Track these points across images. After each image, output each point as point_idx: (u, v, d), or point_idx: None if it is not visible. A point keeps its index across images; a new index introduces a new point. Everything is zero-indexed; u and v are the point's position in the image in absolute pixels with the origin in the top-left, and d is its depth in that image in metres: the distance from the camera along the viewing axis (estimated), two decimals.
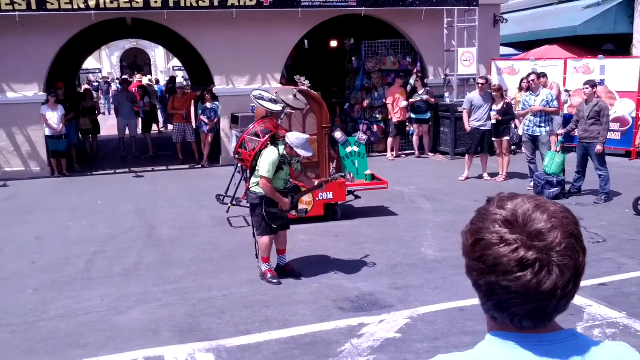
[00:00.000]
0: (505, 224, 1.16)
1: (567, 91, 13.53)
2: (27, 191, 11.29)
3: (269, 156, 5.87)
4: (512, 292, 1.14)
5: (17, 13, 11.44)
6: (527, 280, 1.12)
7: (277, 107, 6.40)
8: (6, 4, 11.36)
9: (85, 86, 22.99)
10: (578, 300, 5.12)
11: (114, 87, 29.77)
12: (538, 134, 10.02)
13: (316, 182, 6.67)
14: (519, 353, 1.17)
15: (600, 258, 6.45)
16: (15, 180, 12.08)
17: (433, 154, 14.04)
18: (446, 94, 14.16)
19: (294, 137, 5.93)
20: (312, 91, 8.13)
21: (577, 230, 1.18)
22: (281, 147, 5.96)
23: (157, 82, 28.64)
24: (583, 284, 1.20)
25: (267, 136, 6.06)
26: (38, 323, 5.30)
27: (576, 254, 1.15)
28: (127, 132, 15.15)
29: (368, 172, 8.99)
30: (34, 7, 11.46)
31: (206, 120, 13.26)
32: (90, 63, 34.55)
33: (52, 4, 11.50)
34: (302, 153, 5.92)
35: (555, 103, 10.40)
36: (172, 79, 22.62)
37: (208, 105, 13.24)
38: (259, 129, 6.16)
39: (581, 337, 1.22)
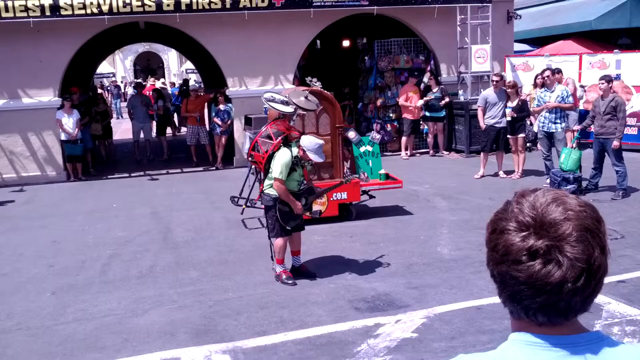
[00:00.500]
0: (521, 215, 1.17)
1: (582, 87, 13.37)
2: (43, 196, 11.39)
3: (282, 158, 5.87)
4: (521, 283, 1.14)
5: (31, 19, 11.56)
6: (535, 270, 1.12)
7: (289, 109, 6.38)
8: (20, 10, 11.48)
9: (99, 90, 23.08)
10: (596, 297, 5.03)
11: (131, 90, 29.96)
12: (553, 131, 9.93)
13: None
14: (542, 354, 1.15)
15: (618, 255, 6.36)
16: (31, 185, 12.21)
17: (447, 152, 13.97)
18: (460, 92, 14.08)
19: (308, 141, 5.94)
20: (325, 91, 8.12)
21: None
22: (294, 149, 5.96)
23: (173, 84, 28.74)
24: None
25: (279, 138, 6.06)
26: (56, 326, 5.34)
27: (589, 248, 1.14)
28: (142, 135, 15.24)
29: (382, 171, 8.96)
30: (47, 13, 11.58)
31: (219, 122, 13.29)
32: (104, 67, 34.84)
33: (65, 9, 11.61)
34: (314, 158, 5.92)
35: (571, 99, 10.29)
36: (185, 82, 22.70)
37: (221, 107, 13.27)
38: (272, 131, 6.16)
39: (606, 340, 1.19)
